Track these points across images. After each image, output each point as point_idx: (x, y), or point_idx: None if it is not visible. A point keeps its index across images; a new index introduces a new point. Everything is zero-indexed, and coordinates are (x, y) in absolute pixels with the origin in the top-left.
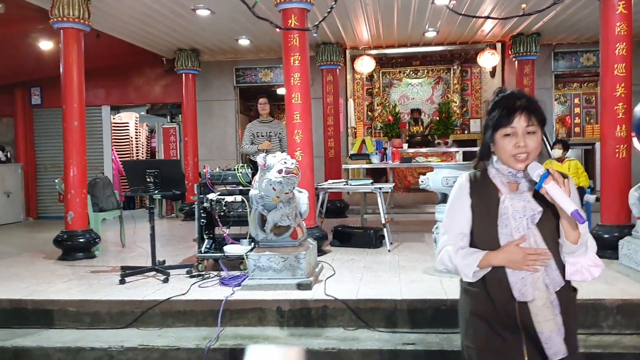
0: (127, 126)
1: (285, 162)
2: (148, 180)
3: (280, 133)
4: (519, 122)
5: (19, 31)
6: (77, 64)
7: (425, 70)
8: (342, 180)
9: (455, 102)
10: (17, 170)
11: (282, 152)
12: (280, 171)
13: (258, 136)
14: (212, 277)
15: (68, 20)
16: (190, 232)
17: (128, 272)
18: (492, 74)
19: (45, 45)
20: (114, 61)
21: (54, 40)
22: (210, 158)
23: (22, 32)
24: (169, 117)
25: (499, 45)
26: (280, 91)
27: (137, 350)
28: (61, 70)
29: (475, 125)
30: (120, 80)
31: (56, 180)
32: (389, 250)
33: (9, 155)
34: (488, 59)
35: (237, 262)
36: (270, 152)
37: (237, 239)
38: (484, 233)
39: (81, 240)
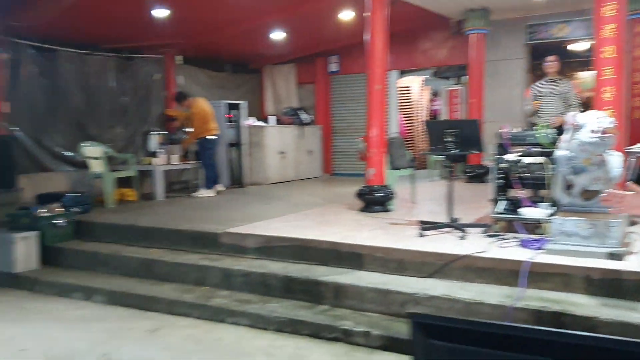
0: (411, 89)
1: (600, 121)
2: (446, 139)
3: (565, 93)
4: None
5: (325, 5)
6: (381, 30)
7: None
8: None
9: None
10: (317, 132)
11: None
12: (594, 131)
13: (539, 96)
14: (509, 239)
15: None
16: (475, 193)
17: (426, 226)
18: None
19: (346, 15)
20: (403, 27)
21: (356, 9)
22: (493, 120)
23: (328, 5)
24: (454, 79)
25: None
26: (575, 46)
27: (441, 300)
28: (367, 37)
29: None
30: (407, 45)
31: (356, 140)
32: None
33: (311, 118)
34: None
35: (531, 225)
36: (537, 112)
37: (534, 202)
38: None
39: (379, 194)
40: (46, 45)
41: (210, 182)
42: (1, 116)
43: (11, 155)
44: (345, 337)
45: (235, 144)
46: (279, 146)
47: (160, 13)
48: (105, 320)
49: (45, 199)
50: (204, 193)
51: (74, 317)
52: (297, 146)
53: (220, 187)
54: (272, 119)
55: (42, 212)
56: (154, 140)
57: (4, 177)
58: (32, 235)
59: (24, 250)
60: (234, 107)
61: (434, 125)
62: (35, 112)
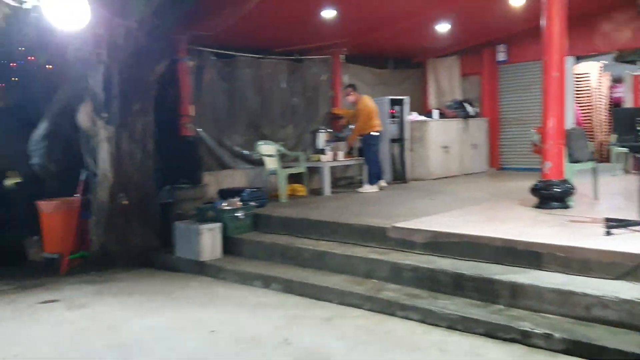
0: (588, 76)
1: None
2: (638, 129)
3: None
4: None
5: None
6: (559, 13)
7: None
8: None
9: None
10: (483, 125)
11: None
12: None
13: None
14: None
15: None
16: None
17: (614, 223)
18: None
19: (516, 1)
20: (580, 9)
21: None
22: None
23: None
24: None
25: None
26: None
27: (634, 303)
28: (542, 22)
29: None
30: (584, 28)
31: (531, 131)
32: None
33: (476, 111)
34: None
35: None
36: None
37: None
38: None
39: (557, 189)
40: (225, 52)
41: (374, 178)
42: (189, 119)
43: (197, 154)
44: (523, 338)
45: (398, 140)
46: (442, 140)
47: (328, 14)
48: (283, 308)
49: (226, 194)
50: (367, 188)
51: (255, 303)
52: (462, 140)
53: (383, 183)
54: (435, 113)
55: (225, 206)
56: (322, 138)
57: (192, 174)
58: (216, 227)
59: (210, 241)
60: (396, 102)
61: (623, 113)
62: (216, 114)
